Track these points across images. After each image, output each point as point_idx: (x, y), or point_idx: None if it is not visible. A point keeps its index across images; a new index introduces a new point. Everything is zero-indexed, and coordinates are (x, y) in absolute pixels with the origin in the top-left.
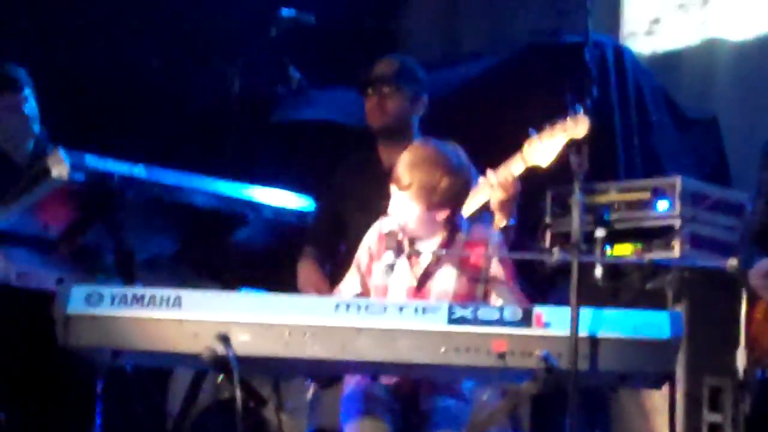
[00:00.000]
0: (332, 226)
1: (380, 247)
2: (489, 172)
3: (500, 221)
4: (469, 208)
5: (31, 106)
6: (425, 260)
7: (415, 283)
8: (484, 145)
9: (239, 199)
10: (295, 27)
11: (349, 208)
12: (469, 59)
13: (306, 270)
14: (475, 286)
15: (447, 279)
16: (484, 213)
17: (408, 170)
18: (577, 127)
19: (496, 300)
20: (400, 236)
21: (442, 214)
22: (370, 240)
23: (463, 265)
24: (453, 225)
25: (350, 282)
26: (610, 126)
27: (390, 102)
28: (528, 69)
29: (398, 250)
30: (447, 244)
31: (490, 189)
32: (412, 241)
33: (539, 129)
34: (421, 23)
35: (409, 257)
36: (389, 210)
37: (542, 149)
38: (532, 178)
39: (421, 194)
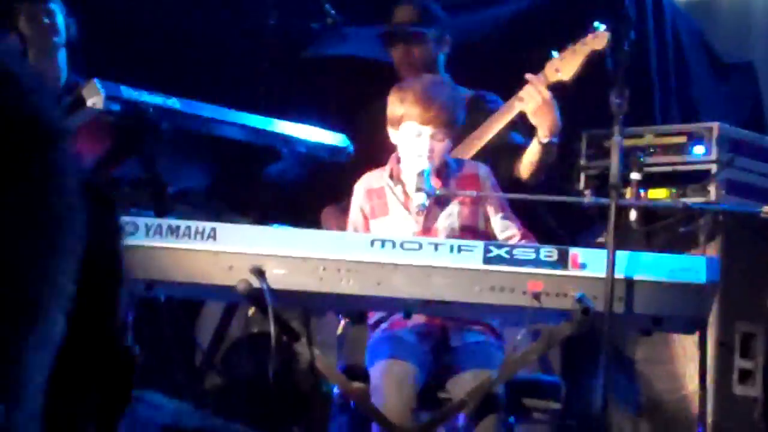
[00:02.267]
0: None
1: (371, 202)
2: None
3: (543, 135)
4: (494, 128)
5: (58, 22)
6: (419, 200)
7: (419, 227)
8: (515, 90)
9: (272, 133)
10: None
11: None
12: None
13: (329, 212)
14: (476, 219)
15: (450, 217)
16: (511, 133)
17: (429, 105)
18: (596, 40)
19: (501, 231)
20: (427, 175)
21: (451, 144)
22: (359, 200)
23: (462, 200)
24: (446, 162)
25: None
26: (648, 70)
27: (417, 50)
28: (564, 12)
29: (429, 192)
30: (443, 181)
31: (520, 102)
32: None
33: (560, 50)
34: None
35: (406, 204)
36: (411, 151)
37: (563, 65)
38: (567, 120)
39: (449, 124)
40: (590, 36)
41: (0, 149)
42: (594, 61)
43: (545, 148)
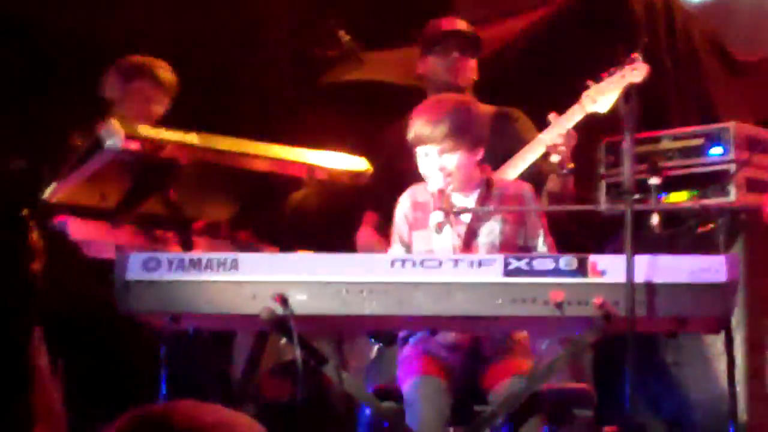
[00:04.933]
0: (391, 187)
1: (416, 214)
2: (551, 117)
3: (561, 167)
4: (525, 161)
5: None
6: (466, 218)
7: (459, 242)
8: (539, 97)
9: (293, 162)
10: None
11: (406, 168)
12: (518, 13)
13: (365, 234)
14: (517, 239)
15: (491, 234)
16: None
17: (432, 123)
18: (634, 72)
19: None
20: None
21: (480, 152)
22: (404, 209)
23: (505, 218)
24: (488, 180)
25: (396, 253)
26: (661, 73)
27: (472, 60)
28: (577, 20)
29: (447, 209)
30: (485, 199)
31: (548, 141)
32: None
33: (596, 77)
34: None
35: (448, 216)
36: (426, 173)
37: (600, 96)
38: (586, 128)
39: (457, 136)
40: (628, 67)
41: None
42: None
43: (564, 178)
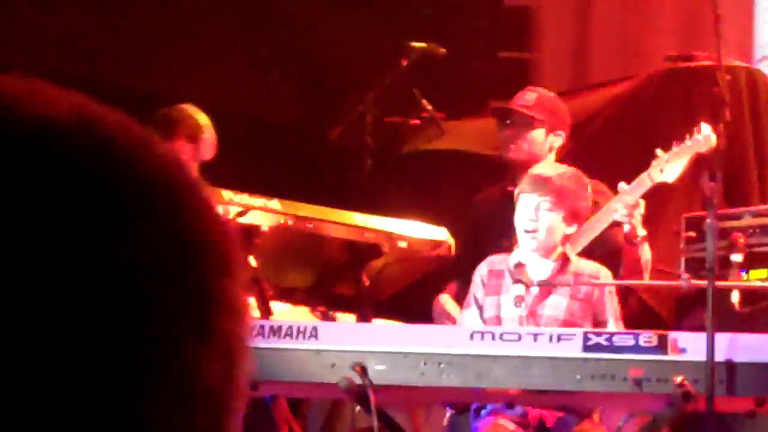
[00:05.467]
0: (474, 258)
1: (491, 281)
2: (621, 186)
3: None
4: (594, 231)
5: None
6: (534, 289)
7: (525, 312)
8: (616, 171)
9: (374, 230)
10: (426, 58)
11: (489, 239)
12: (601, 86)
13: (443, 300)
14: (585, 318)
15: (557, 307)
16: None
17: (543, 178)
18: (702, 143)
19: None
20: (527, 269)
21: (572, 229)
22: (482, 273)
23: (573, 295)
24: (565, 256)
25: (471, 316)
26: (744, 150)
27: (527, 133)
28: (661, 94)
29: (527, 282)
30: (559, 275)
31: (616, 211)
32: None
33: (666, 148)
34: (554, 54)
35: (528, 290)
36: (518, 225)
37: (669, 166)
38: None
39: (564, 199)
40: (696, 137)
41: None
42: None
43: (636, 247)
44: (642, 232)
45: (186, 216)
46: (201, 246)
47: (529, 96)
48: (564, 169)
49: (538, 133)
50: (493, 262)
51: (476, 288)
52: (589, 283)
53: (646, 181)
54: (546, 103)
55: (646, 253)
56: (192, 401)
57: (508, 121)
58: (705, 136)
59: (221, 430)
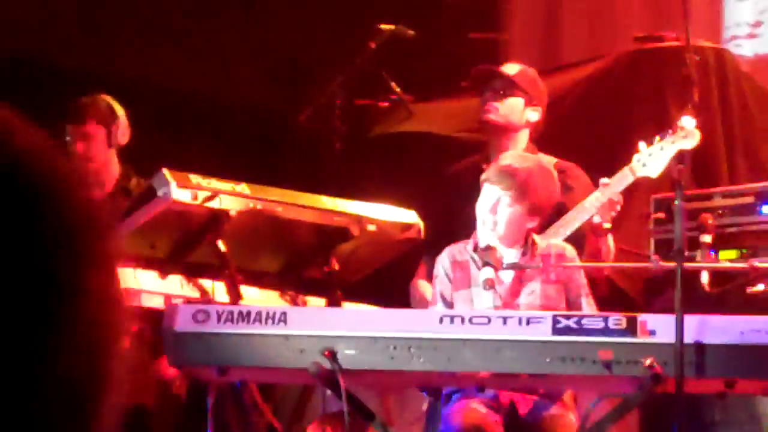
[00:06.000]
0: (444, 238)
1: (456, 273)
2: (602, 181)
3: (598, 230)
4: (574, 224)
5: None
6: (507, 278)
7: (500, 303)
8: (587, 152)
9: (343, 213)
10: (395, 40)
11: (461, 219)
12: (570, 67)
13: (420, 287)
14: (560, 300)
15: (533, 294)
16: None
17: (523, 170)
18: (686, 138)
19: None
20: (498, 253)
21: (533, 223)
22: (444, 266)
23: (545, 280)
24: (531, 240)
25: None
26: (713, 131)
27: (506, 98)
28: (630, 74)
29: (496, 265)
30: (527, 259)
31: (597, 205)
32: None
33: (647, 140)
34: (521, 34)
35: (497, 273)
36: (479, 212)
37: (651, 160)
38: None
39: (526, 194)
40: (680, 132)
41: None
42: None
43: (602, 237)
44: (607, 225)
45: (45, 207)
46: (58, 237)
47: (511, 66)
48: (532, 162)
49: (517, 102)
50: (453, 253)
51: (441, 284)
52: (559, 266)
53: (628, 175)
54: (528, 75)
55: (609, 244)
56: (45, 389)
57: (490, 88)
58: (689, 131)
59: (86, 419)
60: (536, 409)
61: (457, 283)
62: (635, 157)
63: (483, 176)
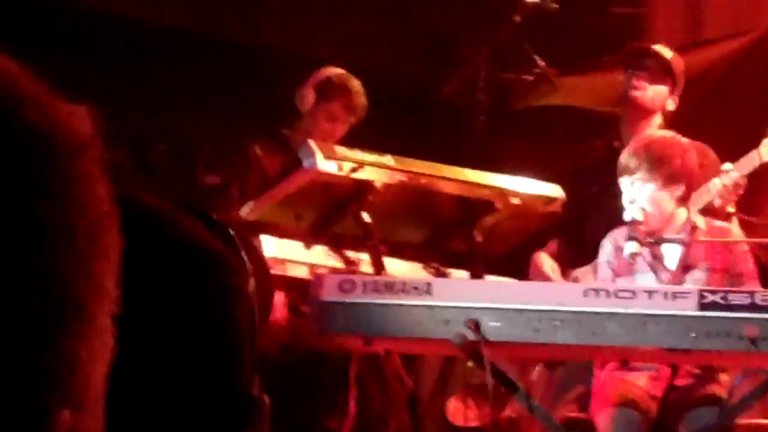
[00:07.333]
0: (577, 215)
1: (619, 261)
2: (724, 167)
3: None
4: (696, 206)
5: None
6: (671, 265)
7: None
8: (725, 132)
9: (487, 186)
10: (539, 13)
11: (592, 195)
12: (711, 43)
13: (537, 261)
14: (724, 284)
15: (697, 282)
16: None
17: (630, 155)
18: None
19: None
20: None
21: (677, 190)
22: (607, 255)
23: (712, 262)
24: (692, 223)
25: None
26: None
27: (657, 83)
28: None
29: (641, 238)
30: (690, 245)
31: (720, 189)
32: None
33: None
34: (667, 7)
35: (653, 265)
36: (624, 205)
37: None
38: None
39: (652, 169)
40: None
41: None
42: None
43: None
44: (731, 208)
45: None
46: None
47: (666, 50)
48: (649, 139)
49: (663, 89)
50: (617, 237)
51: (604, 272)
52: (700, 241)
53: (755, 159)
54: (680, 64)
55: (734, 229)
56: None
57: (645, 65)
58: None
59: (45, 348)
60: (688, 381)
61: (620, 270)
62: (764, 141)
63: (617, 170)
